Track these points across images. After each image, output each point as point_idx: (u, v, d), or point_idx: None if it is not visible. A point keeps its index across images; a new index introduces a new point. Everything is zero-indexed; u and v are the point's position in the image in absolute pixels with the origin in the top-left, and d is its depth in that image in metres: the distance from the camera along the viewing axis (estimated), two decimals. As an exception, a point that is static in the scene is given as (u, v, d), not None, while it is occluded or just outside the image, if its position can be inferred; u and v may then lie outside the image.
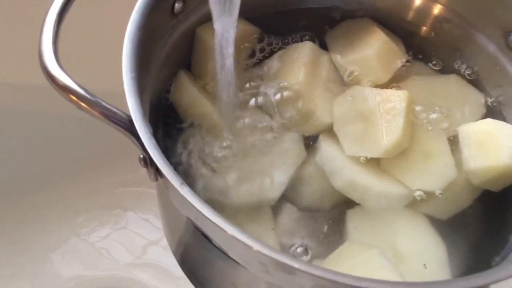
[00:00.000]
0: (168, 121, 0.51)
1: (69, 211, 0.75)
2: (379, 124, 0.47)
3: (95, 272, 0.72)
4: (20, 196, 0.72)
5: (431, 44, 0.57)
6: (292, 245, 0.46)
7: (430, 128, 0.49)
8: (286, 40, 0.57)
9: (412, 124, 0.49)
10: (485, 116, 0.52)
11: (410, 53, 0.56)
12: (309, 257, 0.46)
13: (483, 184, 0.47)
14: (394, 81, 0.53)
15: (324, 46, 0.56)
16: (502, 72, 0.53)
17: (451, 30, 0.56)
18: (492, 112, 0.53)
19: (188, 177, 0.47)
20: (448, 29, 0.56)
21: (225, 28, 0.45)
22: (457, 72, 0.55)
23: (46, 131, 0.72)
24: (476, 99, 0.52)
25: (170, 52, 0.50)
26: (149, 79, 0.46)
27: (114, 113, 0.38)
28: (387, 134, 0.46)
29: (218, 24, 0.44)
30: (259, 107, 0.52)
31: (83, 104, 0.38)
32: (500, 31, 0.52)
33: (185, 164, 0.48)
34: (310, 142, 0.51)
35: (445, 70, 0.56)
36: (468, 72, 0.55)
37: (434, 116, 0.50)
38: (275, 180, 0.47)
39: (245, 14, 0.49)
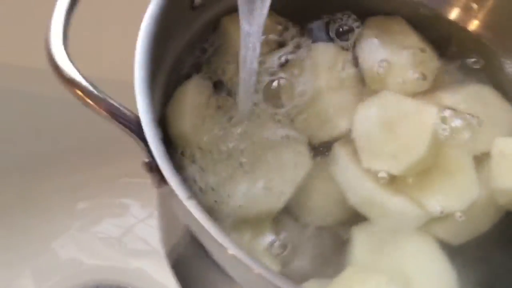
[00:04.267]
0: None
1: (71, 199, 0.74)
2: (404, 137, 0.44)
3: (95, 261, 0.71)
4: (22, 184, 0.71)
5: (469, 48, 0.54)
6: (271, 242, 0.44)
7: (446, 134, 0.46)
8: (311, 32, 0.53)
9: (438, 140, 0.46)
10: None
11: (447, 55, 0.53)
12: (286, 252, 0.43)
13: (508, 204, 0.45)
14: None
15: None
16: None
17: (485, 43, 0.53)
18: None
19: (187, 182, 0.44)
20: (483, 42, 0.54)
21: (252, 29, 0.42)
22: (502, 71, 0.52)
23: (50, 117, 0.70)
24: (508, 115, 0.49)
25: (186, 48, 0.47)
26: (161, 78, 0.43)
27: (123, 113, 0.36)
28: (412, 150, 0.43)
29: (245, 25, 0.42)
30: (271, 107, 0.49)
31: (89, 101, 0.35)
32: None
33: (185, 168, 0.45)
34: (319, 153, 0.47)
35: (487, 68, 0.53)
36: None
37: (458, 123, 0.47)
38: (278, 191, 0.44)
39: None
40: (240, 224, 0.43)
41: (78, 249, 0.71)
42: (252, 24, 0.41)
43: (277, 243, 0.43)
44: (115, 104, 0.36)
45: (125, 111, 0.36)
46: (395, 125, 0.45)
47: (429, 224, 0.44)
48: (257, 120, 0.48)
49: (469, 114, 0.47)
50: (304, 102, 0.49)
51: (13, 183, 0.70)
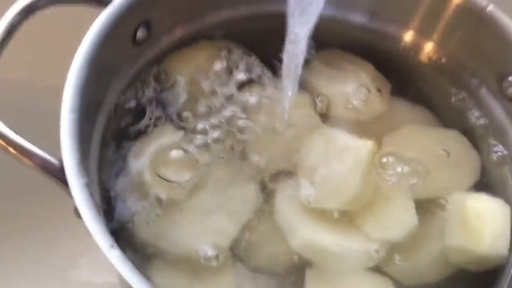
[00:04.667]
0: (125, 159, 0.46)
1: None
2: (339, 172, 0.43)
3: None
4: (49, 200, 0.68)
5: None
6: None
7: (389, 180, 0.45)
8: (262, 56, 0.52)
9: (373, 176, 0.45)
10: (478, 182, 0.47)
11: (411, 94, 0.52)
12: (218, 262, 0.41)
13: (460, 263, 0.43)
14: (388, 126, 0.49)
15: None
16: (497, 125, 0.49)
17: (444, 70, 0.52)
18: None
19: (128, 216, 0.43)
20: (441, 68, 0.52)
21: (300, 29, 0.42)
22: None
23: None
24: (471, 163, 0.48)
25: (128, 86, 0.46)
26: (100, 119, 0.42)
27: (44, 160, 0.34)
28: (345, 185, 0.42)
29: (293, 21, 0.42)
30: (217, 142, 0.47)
31: (11, 150, 0.34)
32: (494, 75, 0.48)
33: (127, 202, 0.44)
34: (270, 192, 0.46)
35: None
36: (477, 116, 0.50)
37: (405, 170, 0.45)
38: (223, 231, 0.43)
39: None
40: (183, 266, 0.42)
41: (106, 267, 0.67)
42: (302, 26, 0.42)
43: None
44: (37, 152, 0.35)
45: (48, 157, 0.35)
46: (332, 160, 0.44)
47: (380, 264, 0.43)
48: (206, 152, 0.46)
49: (414, 161, 0.46)
50: (254, 136, 0.47)
51: (40, 199, 0.64)
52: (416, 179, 0.45)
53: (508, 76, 0.46)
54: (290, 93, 0.46)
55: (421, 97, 0.52)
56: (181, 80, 0.49)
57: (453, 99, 0.51)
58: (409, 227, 0.43)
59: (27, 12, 0.40)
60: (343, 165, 0.43)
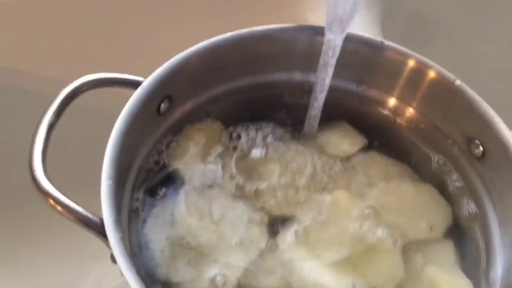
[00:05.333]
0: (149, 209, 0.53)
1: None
2: (335, 233, 0.50)
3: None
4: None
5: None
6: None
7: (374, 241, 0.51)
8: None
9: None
10: (450, 230, 0.53)
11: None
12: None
13: None
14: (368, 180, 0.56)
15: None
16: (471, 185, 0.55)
17: (423, 133, 0.59)
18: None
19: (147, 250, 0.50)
20: (421, 131, 0.59)
21: (335, 39, 0.49)
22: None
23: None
24: (443, 214, 0.54)
25: (150, 152, 0.54)
26: (129, 181, 0.50)
27: (88, 218, 0.43)
28: (338, 247, 0.49)
29: (329, 34, 0.49)
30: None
31: (60, 209, 0.43)
32: (463, 138, 0.55)
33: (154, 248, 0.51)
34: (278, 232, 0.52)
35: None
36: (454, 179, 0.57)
37: (382, 233, 0.51)
38: (229, 268, 0.48)
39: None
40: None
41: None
42: (337, 33, 0.49)
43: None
44: (81, 211, 0.43)
45: (90, 216, 0.43)
46: (330, 222, 0.50)
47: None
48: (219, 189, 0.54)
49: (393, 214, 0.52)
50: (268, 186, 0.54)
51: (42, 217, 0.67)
52: (393, 244, 0.51)
53: (475, 139, 0.54)
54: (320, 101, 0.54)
55: (402, 157, 0.59)
56: (192, 149, 0.57)
57: (433, 164, 0.58)
58: (398, 278, 0.48)
59: (72, 96, 0.49)
60: (337, 227, 0.50)
